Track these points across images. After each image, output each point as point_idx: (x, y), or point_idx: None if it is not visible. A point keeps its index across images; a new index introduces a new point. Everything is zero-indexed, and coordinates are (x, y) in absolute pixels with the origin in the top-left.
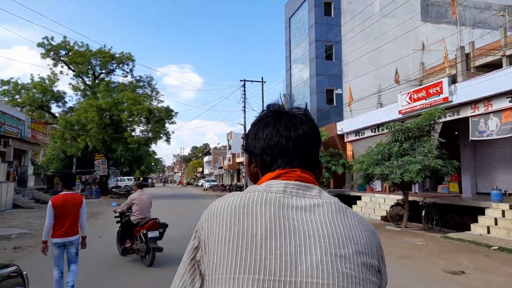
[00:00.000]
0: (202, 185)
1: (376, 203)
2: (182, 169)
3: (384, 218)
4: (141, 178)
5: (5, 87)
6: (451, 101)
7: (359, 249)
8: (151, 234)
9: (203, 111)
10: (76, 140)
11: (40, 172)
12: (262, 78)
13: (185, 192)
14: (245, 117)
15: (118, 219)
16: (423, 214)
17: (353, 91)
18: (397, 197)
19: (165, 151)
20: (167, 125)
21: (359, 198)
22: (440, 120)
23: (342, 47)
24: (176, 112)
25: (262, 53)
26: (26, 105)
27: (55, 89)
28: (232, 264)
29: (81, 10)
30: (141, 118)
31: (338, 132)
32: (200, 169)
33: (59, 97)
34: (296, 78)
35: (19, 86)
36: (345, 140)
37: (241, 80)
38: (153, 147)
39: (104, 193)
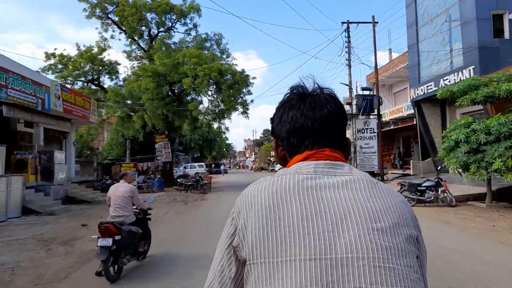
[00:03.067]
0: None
1: None
2: (255, 153)
3: None
4: (212, 165)
5: (51, 62)
6: None
7: (396, 220)
8: (101, 243)
9: (275, 90)
10: (131, 118)
11: (92, 160)
12: (373, 17)
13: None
14: (350, 73)
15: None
16: None
17: None
18: None
19: (235, 137)
20: (244, 93)
21: None
22: None
23: None
24: (254, 77)
25: None
26: (71, 79)
27: (106, 58)
28: (274, 249)
29: None
30: (210, 81)
31: None
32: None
33: (111, 68)
34: (427, 9)
35: (65, 59)
36: None
37: (343, 22)
38: (227, 123)
39: (169, 184)
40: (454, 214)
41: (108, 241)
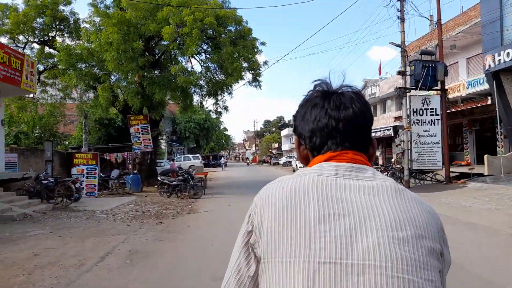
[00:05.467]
0: (290, 164)
1: None
2: (255, 145)
3: None
4: (210, 157)
5: None
6: None
7: (419, 232)
8: None
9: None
10: (94, 90)
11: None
12: None
13: (273, 174)
14: (403, 29)
15: None
16: None
17: None
18: None
19: (233, 128)
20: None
21: None
22: None
23: None
24: (263, 43)
25: None
26: (15, 34)
27: (64, 8)
28: (288, 248)
29: None
30: (202, 32)
31: None
32: (276, 145)
33: (68, 23)
34: None
35: (7, 10)
36: None
37: None
38: (227, 100)
39: (151, 181)
40: None
41: None
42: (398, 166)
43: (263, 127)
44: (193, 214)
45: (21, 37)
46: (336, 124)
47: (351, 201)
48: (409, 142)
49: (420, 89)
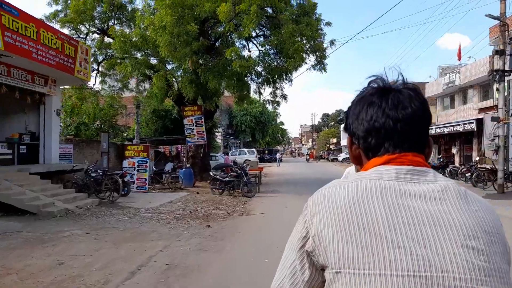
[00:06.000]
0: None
1: None
2: (312, 140)
3: None
4: (265, 151)
5: (57, 7)
6: None
7: (489, 237)
8: None
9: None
10: (149, 80)
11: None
12: None
13: (331, 171)
14: None
15: None
16: None
17: None
18: None
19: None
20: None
21: None
22: None
23: None
24: (328, 23)
25: None
26: (76, 23)
27: None
28: (360, 259)
29: None
30: (261, 10)
31: None
32: (334, 140)
33: (125, 9)
34: None
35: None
36: None
37: None
38: (285, 89)
39: (205, 176)
40: None
41: None
42: (483, 166)
43: (321, 121)
44: (245, 217)
45: (82, 28)
46: (394, 124)
47: (418, 208)
48: (505, 138)
49: None
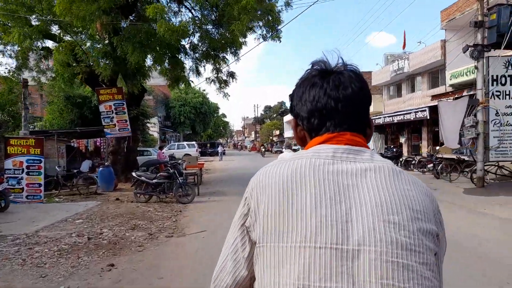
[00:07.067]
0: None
1: None
2: (255, 132)
3: None
4: (207, 144)
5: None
6: None
7: (414, 214)
8: None
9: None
10: (50, 53)
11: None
12: None
13: None
14: None
15: None
16: None
17: None
18: None
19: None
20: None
21: None
22: None
23: None
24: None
25: None
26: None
27: None
28: (284, 233)
29: None
30: None
31: None
32: (277, 132)
33: None
34: None
35: None
36: None
37: None
38: (232, 68)
39: (128, 176)
40: None
41: None
42: (446, 156)
43: (263, 113)
44: (175, 239)
45: None
46: (335, 104)
47: (347, 185)
48: (485, 124)
49: (506, 47)
